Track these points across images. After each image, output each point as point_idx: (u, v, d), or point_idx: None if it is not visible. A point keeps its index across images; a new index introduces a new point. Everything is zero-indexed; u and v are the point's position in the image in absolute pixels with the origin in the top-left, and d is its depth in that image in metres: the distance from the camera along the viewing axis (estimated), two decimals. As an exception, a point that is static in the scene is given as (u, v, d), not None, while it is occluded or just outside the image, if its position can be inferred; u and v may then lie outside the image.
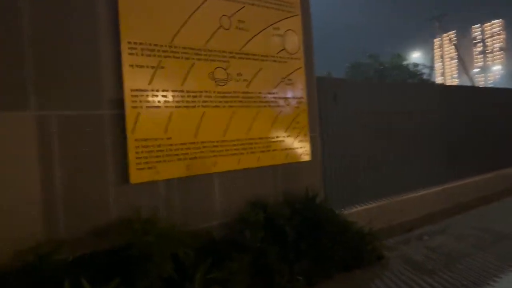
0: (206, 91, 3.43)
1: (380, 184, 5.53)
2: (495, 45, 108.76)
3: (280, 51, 4.02)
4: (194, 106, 3.35)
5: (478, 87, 9.58)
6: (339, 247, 3.62)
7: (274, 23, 3.98)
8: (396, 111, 5.82)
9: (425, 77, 23.61)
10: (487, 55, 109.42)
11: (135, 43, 3.03)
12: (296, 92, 4.13)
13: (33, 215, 2.63)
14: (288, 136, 4.05)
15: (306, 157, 4.23)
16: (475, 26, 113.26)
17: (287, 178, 4.07)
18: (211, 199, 3.52)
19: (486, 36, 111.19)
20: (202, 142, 3.39)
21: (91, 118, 2.89)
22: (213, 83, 3.47)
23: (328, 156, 4.86)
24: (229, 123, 3.56)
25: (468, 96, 7.30)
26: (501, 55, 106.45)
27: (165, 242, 2.69)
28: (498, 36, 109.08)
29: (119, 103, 2.99)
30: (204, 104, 3.41)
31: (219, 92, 3.50)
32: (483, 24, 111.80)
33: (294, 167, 4.13)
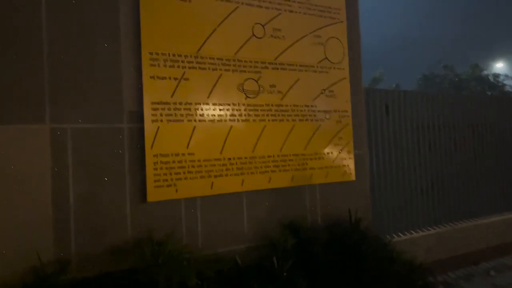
0: (234, 104, 3.20)
1: (441, 208, 4.92)
2: None
3: (321, 60, 3.69)
4: (220, 120, 3.13)
5: None
6: (383, 281, 3.17)
7: (314, 31, 3.66)
8: (461, 126, 5.18)
9: (508, 89, 21.57)
10: None
11: (156, 53, 2.88)
12: (338, 104, 3.76)
13: (43, 231, 2.54)
14: (328, 153, 3.68)
15: (350, 177, 3.82)
16: None
17: (326, 200, 3.69)
18: (238, 220, 3.25)
19: None
20: (229, 159, 3.15)
21: (108, 132, 2.78)
22: (243, 95, 3.24)
23: (379, 175, 4.40)
24: (259, 138, 3.29)
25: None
26: None
27: (174, 267, 2.47)
28: None
29: (139, 117, 2.85)
30: (231, 117, 3.18)
31: (248, 105, 3.26)
32: None
33: (335, 188, 3.74)
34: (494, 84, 21.56)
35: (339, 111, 3.77)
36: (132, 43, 2.87)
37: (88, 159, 2.70)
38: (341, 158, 3.76)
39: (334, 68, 3.77)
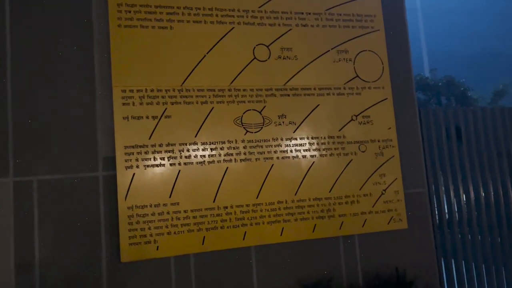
0: (231, 141, 2.67)
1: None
2: None
3: (349, 80, 2.99)
4: (212, 161, 2.62)
5: None
6: None
7: (338, 45, 3.00)
8: None
9: None
10: None
11: (130, 90, 2.52)
12: (378, 133, 2.98)
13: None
14: (365, 195, 2.90)
15: (400, 224, 2.96)
16: None
17: (366, 255, 2.88)
18: (246, 282, 2.65)
19: None
20: (225, 208, 2.60)
21: (81, 182, 2.46)
22: (241, 130, 2.70)
23: (447, 219, 3.41)
24: (265, 180, 2.69)
25: None
26: None
27: None
28: None
29: (112, 163, 2.49)
30: (227, 157, 2.64)
31: (250, 141, 2.70)
32: None
33: (378, 239, 2.92)
34: None
35: (379, 141, 2.99)
36: (107, 82, 2.56)
37: (57, 215, 2.40)
38: (385, 201, 2.94)
39: (370, 88, 3.03)
